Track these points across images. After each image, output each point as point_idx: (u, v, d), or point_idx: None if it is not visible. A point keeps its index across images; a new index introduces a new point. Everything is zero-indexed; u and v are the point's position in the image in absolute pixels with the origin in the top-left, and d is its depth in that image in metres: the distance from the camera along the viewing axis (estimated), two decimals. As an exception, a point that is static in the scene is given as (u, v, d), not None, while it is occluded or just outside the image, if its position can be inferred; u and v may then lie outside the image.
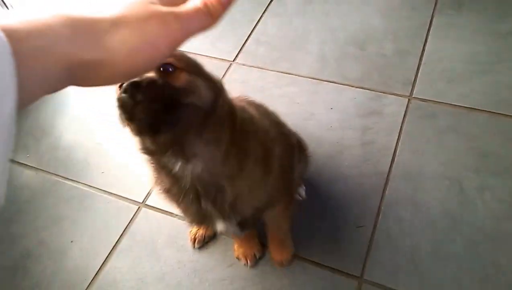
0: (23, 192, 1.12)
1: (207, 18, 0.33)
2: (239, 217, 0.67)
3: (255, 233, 0.94)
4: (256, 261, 0.94)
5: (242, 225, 0.70)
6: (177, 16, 0.31)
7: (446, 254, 0.92)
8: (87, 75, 0.30)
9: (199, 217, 0.67)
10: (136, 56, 0.30)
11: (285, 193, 0.77)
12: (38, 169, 1.16)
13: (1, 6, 1.17)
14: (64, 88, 0.29)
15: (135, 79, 0.45)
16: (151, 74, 0.48)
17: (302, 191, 1.02)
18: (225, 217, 0.66)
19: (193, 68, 0.55)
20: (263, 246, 0.96)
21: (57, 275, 0.97)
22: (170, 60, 0.51)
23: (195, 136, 0.54)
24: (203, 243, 0.98)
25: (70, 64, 0.27)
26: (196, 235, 0.97)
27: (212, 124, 0.55)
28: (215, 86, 0.56)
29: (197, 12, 0.32)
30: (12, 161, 1.17)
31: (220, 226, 0.68)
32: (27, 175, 1.15)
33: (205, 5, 0.33)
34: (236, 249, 0.94)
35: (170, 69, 0.50)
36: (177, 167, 0.56)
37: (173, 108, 0.49)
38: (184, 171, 0.57)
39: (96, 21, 0.29)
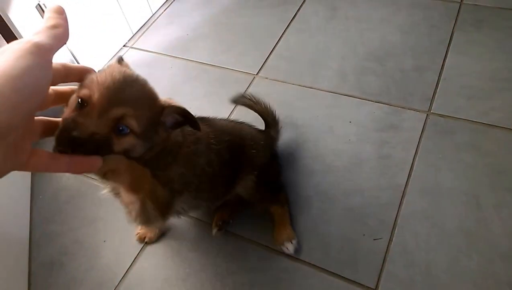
0: (63, 193, 1.15)
1: (60, 32, 0.33)
2: None
3: None
4: None
5: None
6: (37, 45, 0.31)
7: (462, 270, 0.88)
8: None
9: None
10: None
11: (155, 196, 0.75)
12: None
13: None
14: None
15: (75, 134, 0.45)
16: (100, 128, 0.49)
17: (290, 245, 0.93)
18: None
19: (146, 130, 0.55)
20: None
21: (90, 272, 0.99)
22: (131, 123, 0.51)
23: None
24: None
25: None
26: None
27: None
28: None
29: (51, 30, 0.33)
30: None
31: None
32: (67, 177, 1.18)
33: (52, 21, 0.33)
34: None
35: (124, 131, 0.52)
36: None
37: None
38: None
39: None
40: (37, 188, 1.16)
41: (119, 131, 0.51)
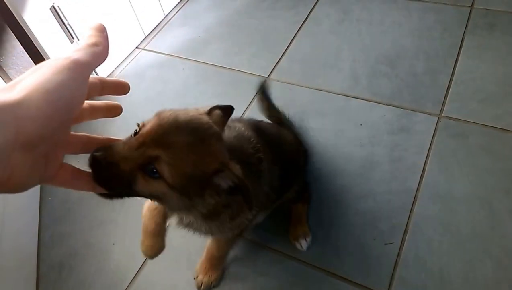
0: (72, 195, 1.13)
1: (99, 50, 0.33)
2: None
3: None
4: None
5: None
6: (75, 62, 0.31)
7: (475, 276, 0.85)
8: None
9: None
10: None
11: (236, 232, 0.78)
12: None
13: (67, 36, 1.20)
14: None
15: (98, 156, 0.43)
16: (129, 160, 0.46)
17: (304, 242, 0.93)
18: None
19: (186, 185, 0.50)
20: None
21: (100, 274, 0.98)
22: (163, 169, 0.47)
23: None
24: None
25: None
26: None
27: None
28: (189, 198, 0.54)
29: (91, 48, 0.33)
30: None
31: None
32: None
33: (93, 39, 0.33)
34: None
35: (155, 175, 0.48)
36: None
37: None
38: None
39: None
40: (47, 190, 1.15)
41: (149, 172, 0.48)
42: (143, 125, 0.49)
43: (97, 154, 0.43)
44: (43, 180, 0.33)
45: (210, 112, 0.56)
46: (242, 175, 0.53)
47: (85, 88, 0.32)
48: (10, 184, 0.28)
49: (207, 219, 0.65)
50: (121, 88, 0.40)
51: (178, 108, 0.52)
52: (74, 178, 0.38)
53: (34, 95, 0.27)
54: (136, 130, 0.49)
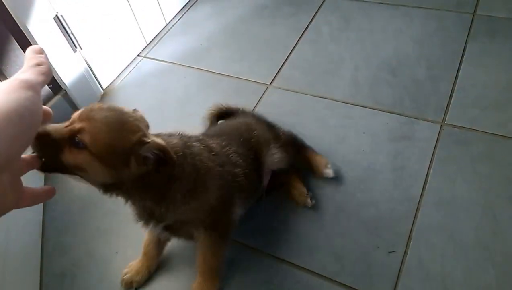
0: (75, 205, 1.16)
1: (43, 68, 0.36)
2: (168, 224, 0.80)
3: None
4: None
5: (171, 232, 0.85)
6: (25, 80, 0.33)
7: (478, 284, 0.87)
8: None
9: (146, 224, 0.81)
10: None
11: (218, 222, 0.83)
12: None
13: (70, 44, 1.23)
14: None
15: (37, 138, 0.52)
16: (58, 132, 0.57)
17: (329, 170, 1.05)
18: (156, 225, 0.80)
19: (109, 155, 0.59)
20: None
21: (102, 283, 0.99)
22: (86, 138, 0.56)
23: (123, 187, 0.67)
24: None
25: None
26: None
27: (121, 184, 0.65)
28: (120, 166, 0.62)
29: (35, 68, 0.35)
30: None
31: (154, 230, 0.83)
32: (79, 188, 1.19)
33: (34, 60, 0.36)
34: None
35: (79, 145, 0.57)
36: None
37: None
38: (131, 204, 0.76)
39: None
40: (50, 200, 1.17)
41: (75, 143, 0.57)
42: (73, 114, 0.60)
43: (39, 129, 0.50)
44: (15, 204, 0.34)
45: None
46: (164, 144, 0.62)
47: (40, 104, 0.33)
48: None
49: (151, 195, 0.71)
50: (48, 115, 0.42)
51: None
52: (34, 196, 0.40)
53: None
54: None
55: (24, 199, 0.37)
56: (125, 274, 0.96)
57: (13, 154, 0.30)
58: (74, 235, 1.09)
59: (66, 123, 0.59)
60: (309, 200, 1.02)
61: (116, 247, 1.05)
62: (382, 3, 1.57)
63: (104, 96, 1.44)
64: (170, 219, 0.78)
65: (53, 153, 0.56)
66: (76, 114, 0.59)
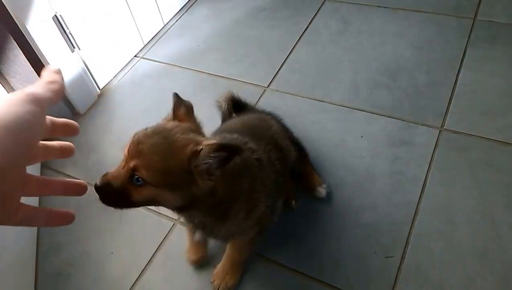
0: (70, 205, 1.15)
1: (55, 86, 0.36)
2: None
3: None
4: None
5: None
6: (32, 94, 0.33)
7: (476, 291, 0.87)
8: None
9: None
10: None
11: (258, 230, 0.84)
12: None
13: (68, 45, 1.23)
14: None
15: (97, 183, 0.59)
16: (116, 178, 0.59)
17: (322, 190, 1.05)
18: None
19: (169, 179, 0.59)
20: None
21: (98, 283, 0.99)
22: (142, 173, 0.57)
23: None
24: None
25: None
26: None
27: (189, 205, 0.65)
28: (188, 192, 0.62)
29: (47, 85, 0.35)
30: (62, 173, 1.23)
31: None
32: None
33: (49, 78, 0.36)
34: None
35: (139, 182, 0.58)
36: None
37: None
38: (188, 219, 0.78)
39: None
40: (45, 199, 1.17)
41: (136, 182, 0.58)
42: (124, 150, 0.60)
43: (97, 182, 0.58)
44: (1, 220, 0.33)
45: (174, 113, 0.67)
46: (216, 141, 0.59)
47: (43, 120, 0.33)
48: None
49: (217, 213, 0.71)
50: (71, 129, 0.41)
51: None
52: (32, 217, 0.38)
53: None
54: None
55: (19, 216, 0.35)
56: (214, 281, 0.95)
57: (7, 164, 0.29)
58: (69, 234, 1.09)
59: (121, 163, 0.60)
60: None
61: (112, 247, 1.05)
62: (381, 7, 1.59)
63: (100, 96, 1.45)
64: (222, 233, 0.79)
65: (122, 199, 0.59)
66: (125, 151, 0.60)
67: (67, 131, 0.41)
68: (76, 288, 1.00)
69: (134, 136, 0.60)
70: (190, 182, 0.59)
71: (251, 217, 0.76)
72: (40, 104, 0.33)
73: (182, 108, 0.67)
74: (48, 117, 0.38)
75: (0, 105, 0.30)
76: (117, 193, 0.58)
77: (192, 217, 0.75)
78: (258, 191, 0.76)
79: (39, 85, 0.35)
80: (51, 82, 0.36)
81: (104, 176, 0.59)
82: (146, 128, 0.62)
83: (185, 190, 0.60)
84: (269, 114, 1.10)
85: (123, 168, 0.59)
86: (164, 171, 0.58)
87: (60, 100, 0.38)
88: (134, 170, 0.57)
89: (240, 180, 0.71)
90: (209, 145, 0.58)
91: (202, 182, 0.60)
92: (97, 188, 0.58)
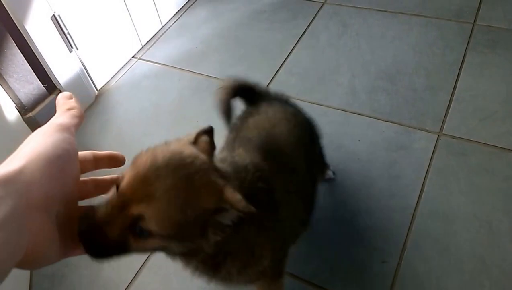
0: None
1: (76, 112, 0.38)
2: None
3: None
4: None
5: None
6: (59, 124, 0.36)
7: (473, 297, 0.88)
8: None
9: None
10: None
11: (271, 272, 0.76)
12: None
13: (66, 44, 1.24)
14: None
15: (81, 227, 0.39)
16: (113, 228, 0.43)
17: (330, 173, 1.09)
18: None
19: (182, 232, 0.46)
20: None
21: (92, 285, 0.99)
22: (150, 227, 0.43)
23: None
24: None
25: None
26: None
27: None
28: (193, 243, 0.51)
29: (68, 112, 0.38)
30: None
31: None
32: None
33: (66, 105, 0.39)
34: None
35: (142, 234, 0.44)
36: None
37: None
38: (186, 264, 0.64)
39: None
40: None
41: (139, 233, 0.44)
42: (123, 177, 0.45)
43: (82, 227, 0.39)
44: (61, 254, 0.37)
45: (196, 140, 0.51)
46: (244, 203, 0.47)
47: (74, 144, 0.36)
48: (32, 253, 0.31)
49: (208, 266, 0.63)
50: (115, 161, 0.43)
51: (156, 145, 0.49)
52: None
53: (34, 160, 0.31)
54: (116, 187, 0.44)
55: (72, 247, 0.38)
56: None
57: (52, 194, 0.32)
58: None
59: (114, 198, 0.43)
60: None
61: (106, 251, 1.05)
62: (380, 10, 1.60)
63: (98, 97, 1.45)
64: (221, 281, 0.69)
65: (116, 250, 0.44)
66: (126, 184, 0.44)
67: (111, 163, 0.42)
68: (71, 288, 1.00)
69: (139, 165, 0.45)
70: (201, 235, 0.49)
71: (247, 273, 0.67)
72: (69, 131, 0.36)
73: (204, 137, 0.52)
74: (89, 151, 0.41)
75: (38, 139, 0.33)
76: (112, 245, 0.43)
77: (190, 263, 0.64)
78: (263, 244, 0.65)
79: (61, 115, 0.37)
80: (70, 108, 0.38)
81: (89, 214, 0.42)
82: (155, 155, 0.46)
83: (194, 242, 0.50)
84: (293, 106, 0.94)
85: (120, 211, 0.43)
86: (180, 224, 0.45)
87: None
88: (138, 219, 0.43)
89: (241, 234, 0.59)
90: (237, 204, 0.47)
91: (213, 236, 0.49)
92: (82, 233, 0.39)
